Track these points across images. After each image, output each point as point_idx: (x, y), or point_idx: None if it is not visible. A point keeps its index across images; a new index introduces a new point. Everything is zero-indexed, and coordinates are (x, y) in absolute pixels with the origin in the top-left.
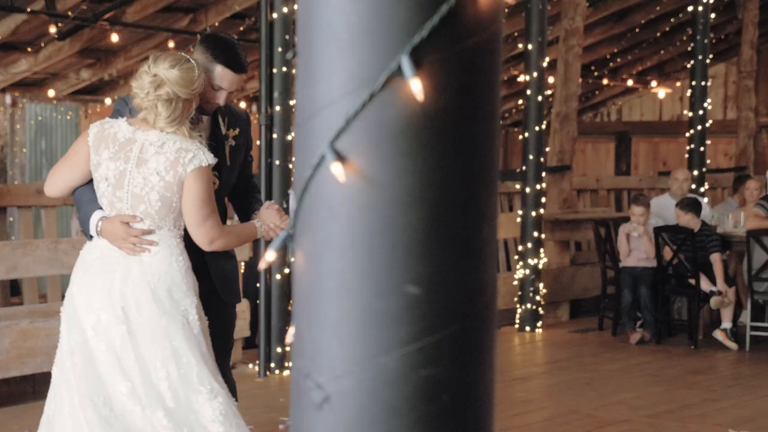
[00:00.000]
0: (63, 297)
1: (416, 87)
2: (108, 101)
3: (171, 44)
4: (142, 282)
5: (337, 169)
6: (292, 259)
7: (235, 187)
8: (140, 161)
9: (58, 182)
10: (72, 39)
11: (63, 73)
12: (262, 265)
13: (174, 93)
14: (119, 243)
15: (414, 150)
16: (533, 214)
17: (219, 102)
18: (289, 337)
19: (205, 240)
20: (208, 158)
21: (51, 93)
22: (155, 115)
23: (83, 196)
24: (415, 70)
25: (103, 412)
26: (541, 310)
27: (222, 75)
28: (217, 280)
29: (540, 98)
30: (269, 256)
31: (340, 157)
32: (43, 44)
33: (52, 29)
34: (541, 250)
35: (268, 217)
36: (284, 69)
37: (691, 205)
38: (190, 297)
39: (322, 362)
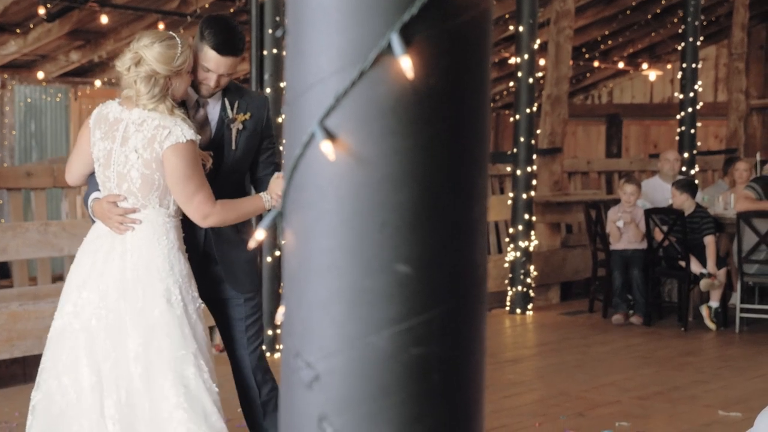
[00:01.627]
0: (53, 280)
1: (406, 65)
2: (98, 83)
3: (161, 26)
4: (121, 261)
5: (326, 147)
6: (283, 242)
7: (256, 173)
8: (123, 140)
9: (72, 171)
10: (61, 20)
11: (52, 54)
12: (251, 244)
13: (153, 70)
14: (107, 222)
15: (404, 128)
16: (524, 196)
17: (210, 84)
18: (279, 316)
19: (197, 216)
20: (186, 134)
21: (40, 75)
22: (136, 92)
23: (91, 180)
24: (405, 47)
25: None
26: (531, 293)
27: (208, 56)
28: (222, 268)
29: (531, 80)
30: (259, 234)
31: (330, 136)
32: (32, 26)
33: (41, 11)
34: (532, 232)
35: (277, 186)
36: (275, 51)
37: (687, 185)
38: (172, 277)
39: (312, 341)
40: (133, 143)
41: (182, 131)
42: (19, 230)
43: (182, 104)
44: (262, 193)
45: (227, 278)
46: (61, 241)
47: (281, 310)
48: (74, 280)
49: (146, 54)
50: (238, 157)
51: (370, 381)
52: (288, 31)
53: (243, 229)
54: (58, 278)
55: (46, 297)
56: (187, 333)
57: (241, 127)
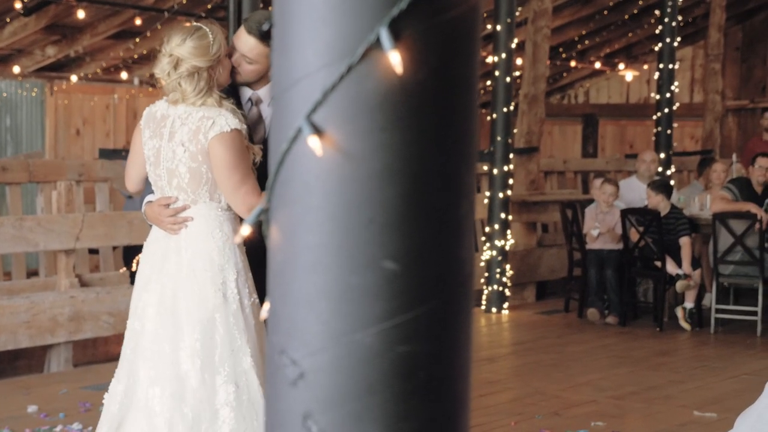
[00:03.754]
0: (27, 275)
1: (395, 60)
2: (74, 78)
3: (138, 21)
4: (177, 258)
5: (313, 142)
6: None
7: None
8: (171, 135)
9: (130, 176)
10: (38, 15)
11: (28, 49)
12: (237, 239)
13: (194, 66)
14: (160, 225)
15: (392, 124)
16: (500, 195)
17: (240, 69)
18: (264, 312)
19: (242, 208)
20: (231, 124)
21: (16, 69)
22: (181, 93)
23: (147, 184)
24: (394, 42)
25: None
26: (507, 292)
27: (239, 34)
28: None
29: (508, 79)
30: (244, 230)
31: (317, 131)
32: (8, 20)
33: (18, 5)
34: (508, 231)
35: None
36: None
37: (662, 186)
38: (228, 271)
39: (297, 338)
40: (179, 137)
41: (226, 120)
42: None
43: (237, 103)
44: None
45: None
46: (36, 236)
47: (266, 306)
48: (138, 284)
49: (182, 53)
50: None
51: (355, 379)
52: (275, 24)
53: None
54: (33, 273)
55: (20, 292)
56: (242, 327)
57: None
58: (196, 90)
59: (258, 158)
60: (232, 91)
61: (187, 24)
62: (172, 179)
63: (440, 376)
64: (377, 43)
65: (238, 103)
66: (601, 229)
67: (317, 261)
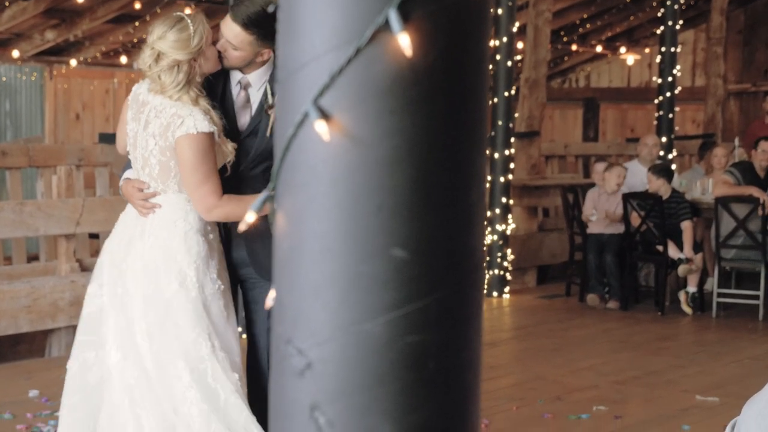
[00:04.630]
0: (28, 259)
1: (404, 42)
2: (73, 62)
3: (137, 5)
4: (141, 243)
5: (321, 127)
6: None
7: None
8: (146, 124)
9: (118, 140)
10: None
11: (27, 33)
12: (242, 227)
13: (174, 60)
14: (132, 204)
15: (401, 108)
16: (501, 179)
17: (227, 55)
18: (269, 301)
19: (201, 207)
20: (198, 126)
21: (15, 54)
22: (161, 85)
23: (128, 160)
24: (403, 24)
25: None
26: (508, 276)
27: (225, 20)
28: (247, 252)
29: (509, 63)
30: (249, 217)
31: (324, 115)
32: (7, 4)
33: None
34: (509, 216)
35: None
36: None
37: (663, 170)
38: (188, 259)
39: (304, 328)
40: (152, 129)
41: (195, 122)
42: None
43: (223, 89)
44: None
45: (253, 262)
46: (36, 221)
47: (271, 295)
48: (104, 257)
49: (162, 47)
50: (271, 145)
51: (364, 369)
52: (280, 6)
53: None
54: (33, 258)
55: (21, 277)
56: (202, 314)
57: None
58: (174, 83)
59: (231, 158)
60: (222, 73)
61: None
62: (144, 167)
63: (450, 366)
64: (386, 25)
65: (227, 86)
66: (598, 214)
67: (324, 248)
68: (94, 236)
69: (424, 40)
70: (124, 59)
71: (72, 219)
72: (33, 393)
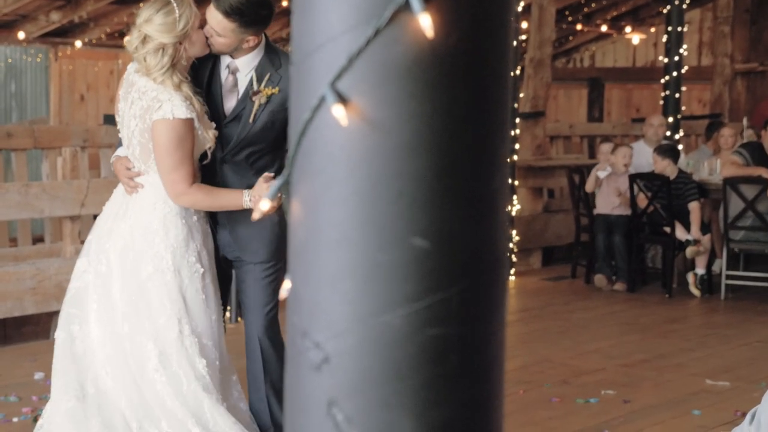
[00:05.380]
0: (33, 241)
1: (425, 22)
2: (78, 44)
3: None
4: (122, 223)
5: (338, 111)
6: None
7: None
8: (131, 105)
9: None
10: None
11: (33, 15)
12: (255, 215)
13: (159, 43)
14: (121, 181)
15: (422, 91)
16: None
17: (212, 41)
18: (284, 291)
19: (170, 192)
20: (176, 112)
21: (21, 35)
22: (146, 67)
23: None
24: (424, 3)
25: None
26: (513, 258)
27: (209, 7)
28: (230, 234)
29: (514, 43)
30: (263, 205)
31: (342, 99)
32: None
33: None
34: (514, 197)
35: (260, 188)
36: None
37: (669, 151)
38: (165, 242)
39: (321, 320)
40: (134, 110)
41: (172, 108)
42: (0, 191)
43: (212, 72)
44: (245, 191)
45: (237, 245)
46: (41, 202)
47: (286, 285)
48: (93, 233)
49: (148, 30)
50: (255, 131)
51: (383, 363)
52: None
53: None
54: (38, 240)
55: (26, 258)
56: (175, 298)
57: (264, 101)
58: (159, 65)
59: (211, 145)
60: (212, 56)
61: None
62: (129, 146)
63: (473, 360)
64: (406, 5)
65: (216, 69)
66: (611, 180)
67: (342, 237)
68: None
69: (445, 20)
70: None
71: (77, 200)
72: (38, 375)
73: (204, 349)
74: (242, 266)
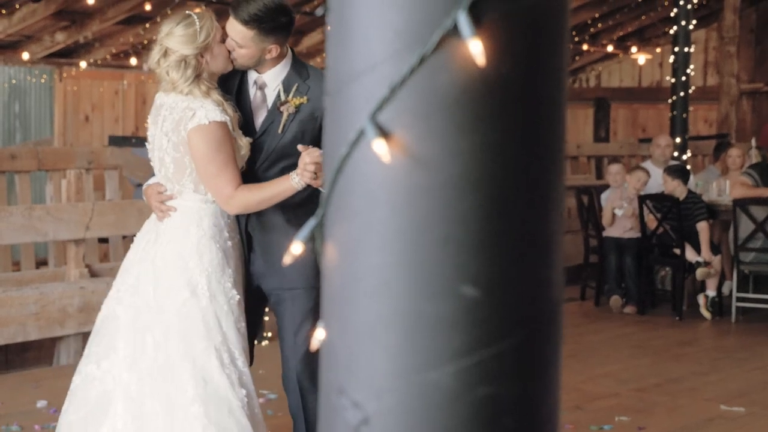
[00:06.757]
0: (36, 265)
1: (476, 49)
2: (83, 64)
3: (147, 6)
4: (154, 249)
5: (379, 146)
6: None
7: None
8: (162, 123)
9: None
10: (47, 1)
11: (37, 35)
12: (287, 260)
13: (181, 55)
14: (152, 207)
15: (471, 124)
16: None
17: (235, 54)
18: (315, 341)
19: (220, 199)
20: (210, 116)
21: (25, 56)
22: (171, 82)
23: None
24: (475, 28)
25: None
26: None
27: (229, 20)
28: (263, 259)
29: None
30: (295, 248)
31: (383, 132)
32: (17, 6)
33: None
34: None
35: (307, 156)
36: None
37: (679, 171)
38: (200, 267)
39: (360, 376)
40: (165, 127)
41: (206, 113)
42: (3, 214)
43: (239, 89)
44: (291, 173)
45: (268, 270)
46: (45, 225)
47: (318, 336)
48: (123, 265)
49: (169, 43)
50: (285, 142)
51: (430, 426)
52: (331, 8)
53: (293, 218)
54: (42, 263)
55: (29, 283)
56: (212, 325)
57: (293, 110)
58: (183, 78)
59: (245, 151)
60: (239, 74)
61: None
62: (160, 168)
63: (528, 422)
64: (455, 30)
65: (243, 87)
66: (627, 212)
67: (383, 285)
68: (103, 240)
69: (497, 46)
70: (134, 61)
71: (82, 223)
72: (41, 403)
73: (242, 378)
74: (279, 294)
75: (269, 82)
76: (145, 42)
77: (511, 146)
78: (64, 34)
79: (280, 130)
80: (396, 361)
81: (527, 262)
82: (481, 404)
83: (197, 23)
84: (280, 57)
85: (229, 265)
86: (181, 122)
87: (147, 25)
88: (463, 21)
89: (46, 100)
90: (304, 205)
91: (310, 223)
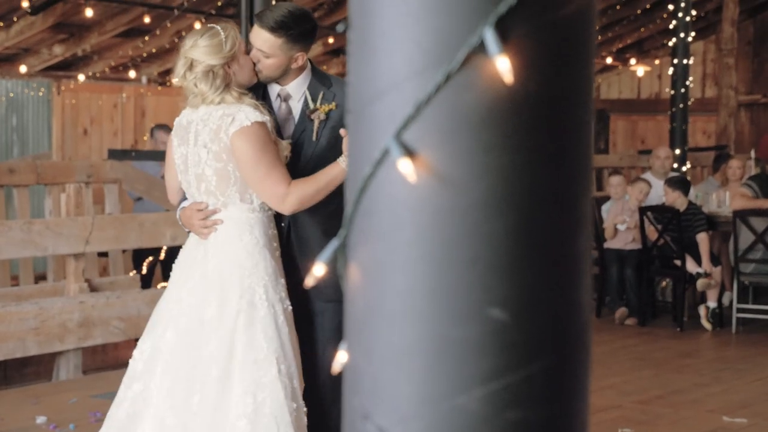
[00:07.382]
0: (35, 279)
1: (503, 66)
2: (81, 77)
3: (146, 19)
4: (203, 264)
5: (405, 165)
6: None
7: None
8: (195, 140)
9: (169, 188)
10: (45, 13)
11: (35, 48)
12: (309, 282)
13: (208, 65)
14: (193, 229)
15: (498, 143)
16: None
17: (261, 65)
18: (337, 365)
19: (274, 200)
20: (250, 117)
21: (23, 69)
22: (200, 94)
23: (182, 191)
24: (502, 45)
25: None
26: None
27: (253, 30)
28: (302, 271)
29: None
30: (317, 270)
31: (409, 152)
32: (15, 19)
33: (25, 3)
34: None
35: (344, 144)
36: None
37: (679, 183)
38: (257, 275)
39: (385, 401)
40: (202, 140)
41: (246, 115)
42: (2, 228)
43: (264, 98)
44: (339, 159)
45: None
46: (45, 240)
47: (340, 357)
48: (167, 290)
49: (194, 54)
50: (321, 149)
51: None
52: (353, 24)
53: (331, 230)
54: (41, 278)
55: (28, 298)
56: (271, 335)
57: (323, 117)
58: (212, 88)
59: (286, 153)
60: (261, 88)
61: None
62: (200, 184)
63: None
64: (481, 47)
65: (266, 101)
66: (629, 223)
67: (408, 308)
68: (103, 254)
69: (524, 64)
70: (132, 74)
71: (81, 237)
72: (41, 419)
73: (295, 392)
74: (313, 306)
75: (293, 93)
76: (144, 55)
77: (539, 165)
78: (63, 46)
79: (314, 138)
80: (422, 386)
81: (556, 284)
82: (509, 428)
83: (222, 33)
84: (302, 67)
85: (281, 275)
86: (221, 129)
87: (146, 38)
88: (490, 38)
89: (44, 113)
90: (339, 216)
91: (333, 244)
